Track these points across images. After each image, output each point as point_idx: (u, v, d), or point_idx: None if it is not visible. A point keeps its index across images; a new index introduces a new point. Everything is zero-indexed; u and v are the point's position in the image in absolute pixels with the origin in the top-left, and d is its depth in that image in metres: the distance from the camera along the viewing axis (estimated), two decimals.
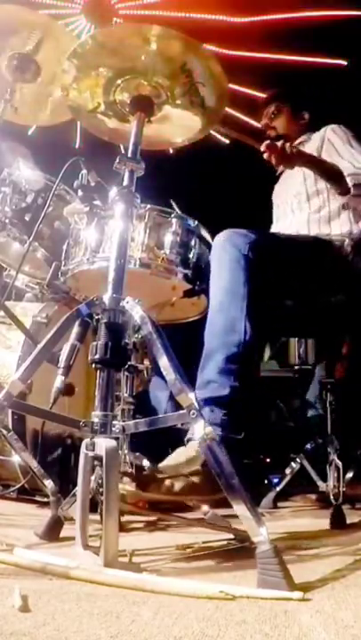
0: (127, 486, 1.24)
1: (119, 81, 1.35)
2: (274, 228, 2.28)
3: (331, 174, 1.94)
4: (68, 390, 1.16)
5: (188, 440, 1.41)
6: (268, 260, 1.65)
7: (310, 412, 2.66)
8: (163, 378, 1.27)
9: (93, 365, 1.12)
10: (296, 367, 2.99)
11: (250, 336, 1.52)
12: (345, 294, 1.93)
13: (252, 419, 1.60)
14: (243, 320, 1.52)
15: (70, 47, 1.34)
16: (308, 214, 2.07)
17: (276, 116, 2.32)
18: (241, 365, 1.49)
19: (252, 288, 1.56)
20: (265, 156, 1.80)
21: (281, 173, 2.34)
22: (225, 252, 1.61)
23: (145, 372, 1.82)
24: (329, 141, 2.10)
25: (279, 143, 1.79)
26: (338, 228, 2.03)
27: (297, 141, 2.28)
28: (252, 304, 1.54)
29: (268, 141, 1.82)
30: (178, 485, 1.27)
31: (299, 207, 2.11)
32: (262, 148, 1.81)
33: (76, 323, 1.17)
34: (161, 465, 1.32)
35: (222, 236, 1.65)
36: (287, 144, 1.81)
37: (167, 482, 1.27)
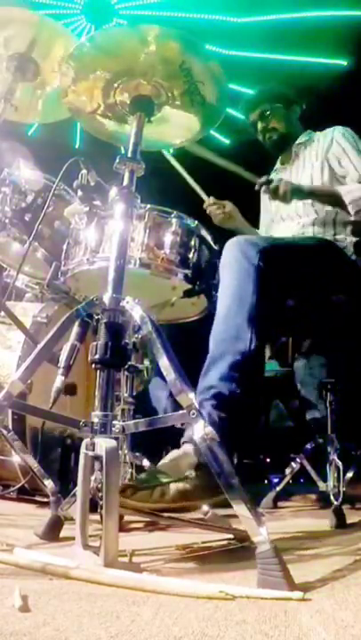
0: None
1: (117, 83, 1.35)
2: (275, 230, 2.28)
3: (331, 202, 1.97)
4: (70, 390, 1.16)
5: (184, 443, 1.40)
6: (278, 267, 1.64)
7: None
8: (163, 378, 1.27)
9: (93, 365, 1.12)
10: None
11: (255, 345, 1.51)
12: (346, 294, 1.94)
13: (253, 424, 1.59)
14: (249, 329, 1.52)
15: (65, 42, 1.31)
16: (315, 219, 2.07)
17: (273, 117, 2.28)
18: (244, 373, 1.49)
19: (261, 297, 1.56)
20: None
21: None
22: (236, 261, 1.60)
23: (145, 372, 1.82)
24: (338, 144, 2.09)
25: (276, 186, 1.85)
26: (343, 230, 2.04)
27: (298, 141, 2.27)
28: (259, 313, 1.54)
29: (263, 187, 1.88)
30: (171, 491, 1.26)
31: (304, 211, 2.11)
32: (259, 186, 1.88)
33: (76, 323, 1.17)
34: (158, 465, 1.32)
35: (233, 245, 1.64)
36: (282, 186, 1.84)
37: (157, 490, 1.26)
